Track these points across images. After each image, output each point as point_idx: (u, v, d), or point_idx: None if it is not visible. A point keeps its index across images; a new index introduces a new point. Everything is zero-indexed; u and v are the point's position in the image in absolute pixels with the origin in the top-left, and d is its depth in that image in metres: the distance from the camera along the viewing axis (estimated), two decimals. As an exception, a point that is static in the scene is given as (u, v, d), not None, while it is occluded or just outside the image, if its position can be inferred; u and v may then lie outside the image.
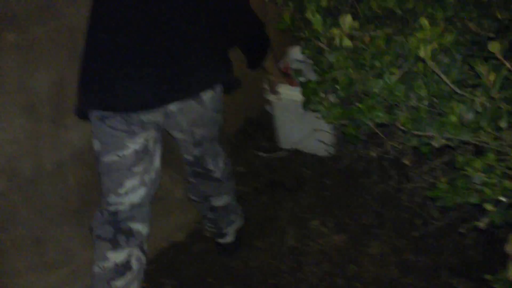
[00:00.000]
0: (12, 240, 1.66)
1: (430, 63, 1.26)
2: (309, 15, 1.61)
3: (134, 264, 1.56)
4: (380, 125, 1.70)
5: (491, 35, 1.40)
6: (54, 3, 1.72)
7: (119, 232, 1.55)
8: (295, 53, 2.57)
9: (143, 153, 1.58)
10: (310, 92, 1.73)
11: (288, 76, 2.23)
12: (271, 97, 2.28)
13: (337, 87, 1.63)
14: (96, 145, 1.60)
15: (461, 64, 1.40)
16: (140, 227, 1.59)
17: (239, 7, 1.69)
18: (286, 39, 2.60)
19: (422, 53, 1.23)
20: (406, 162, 1.74)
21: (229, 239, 2.06)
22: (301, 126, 2.34)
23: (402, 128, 1.45)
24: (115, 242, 1.54)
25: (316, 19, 1.57)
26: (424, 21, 1.34)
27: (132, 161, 1.56)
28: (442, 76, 1.27)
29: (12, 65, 1.64)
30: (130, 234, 1.56)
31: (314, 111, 1.72)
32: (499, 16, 1.38)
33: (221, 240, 2.06)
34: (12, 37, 1.64)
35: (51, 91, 1.72)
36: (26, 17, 1.66)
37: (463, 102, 1.31)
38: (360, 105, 1.59)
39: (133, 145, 1.56)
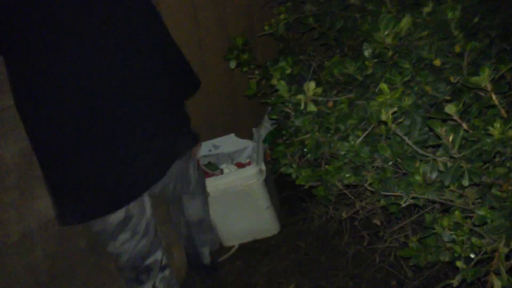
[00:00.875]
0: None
1: (392, 126, 1.30)
2: (274, 81, 1.67)
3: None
4: (348, 186, 1.73)
5: (447, 97, 1.46)
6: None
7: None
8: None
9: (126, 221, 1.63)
10: (280, 155, 1.76)
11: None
12: None
13: (305, 150, 1.67)
14: None
15: (421, 125, 1.45)
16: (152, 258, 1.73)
17: (174, 48, 1.76)
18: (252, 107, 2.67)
19: (383, 117, 1.28)
20: (377, 222, 1.76)
21: (205, 260, 2.09)
22: (242, 213, 2.32)
23: (370, 188, 1.48)
24: (139, 281, 1.74)
25: (281, 86, 1.62)
26: (384, 86, 1.40)
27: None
28: (404, 137, 1.31)
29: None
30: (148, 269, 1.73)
31: (284, 173, 1.75)
32: (452, 80, 1.45)
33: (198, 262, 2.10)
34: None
35: (19, 160, 1.71)
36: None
37: (426, 162, 1.35)
38: (328, 167, 1.62)
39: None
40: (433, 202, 1.50)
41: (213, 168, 2.36)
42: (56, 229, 1.77)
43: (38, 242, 1.75)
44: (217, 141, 2.49)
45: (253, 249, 2.34)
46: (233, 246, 2.39)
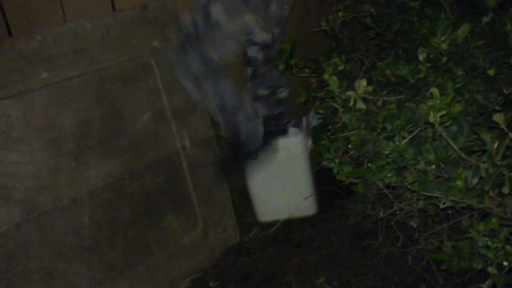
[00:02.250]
0: (23, 272, 1.70)
1: (439, 129, 1.33)
2: (326, 76, 1.71)
3: None
4: (388, 186, 1.76)
5: (497, 107, 1.47)
6: (88, 47, 1.85)
7: None
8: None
9: None
10: (323, 148, 1.80)
11: None
12: None
13: (349, 146, 1.70)
14: None
15: (467, 132, 1.47)
16: None
17: None
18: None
19: (431, 119, 1.30)
20: (413, 224, 1.77)
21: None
22: (283, 184, 2.37)
23: (411, 188, 1.50)
24: None
25: (332, 81, 1.66)
26: (435, 90, 1.42)
27: None
28: (450, 142, 1.33)
29: (42, 101, 1.75)
30: None
31: (326, 168, 1.79)
32: (505, 91, 1.46)
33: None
34: (46, 75, 1.76)
35: (76, 129, 1.82)
36: (60, 58, 1.79)
37: (469, 168, 1.37)
38: (370, 165, 1.65)
39: None
40: (472, 208, 1.52)
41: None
42: (103, 198, 1.88)
43: (86, 209, 1.86)
44: None
45: (286, 239, 2.38)
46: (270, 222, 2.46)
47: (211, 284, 2.16)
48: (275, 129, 2.20)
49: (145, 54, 2.02)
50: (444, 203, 1.35)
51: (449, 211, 1.66)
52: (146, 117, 2.03)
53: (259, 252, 2.32)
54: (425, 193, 1.44)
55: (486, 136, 1.21)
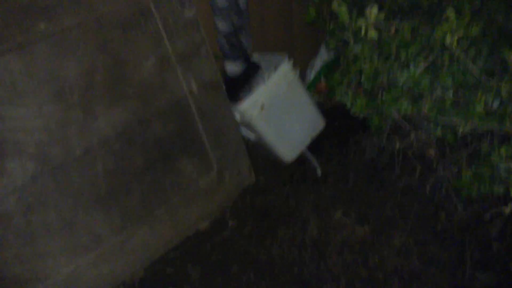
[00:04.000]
0: (44, 222, 1.72)
1: (456, 51, 1.26)
2: (335, 6, 1.63)
3: None
4: (404, 118, 1.72)
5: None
6: (86, -6, 1.77)
7: None
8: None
9: None
10: (335, 82, 1.74)
11: None
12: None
13: (362, 78, 1.65)
14: None
15: (486, 54, 1.40)
16: None
17: None
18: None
19: (448, 41, 1.24)
20: (430, 153, 1.74)
21: None
22: (294, 116, 2.33)
23: (428, 115, 1.46)
24: None
25: (342, 11, 1.58)
26: (451, 13, 1.34)
27: None
28: (469, 64, 1.27)
29: (44, 53, 1.70)
30: None
31: (340, 101, 1.74)
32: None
33: None
34: (44, 25, 1.70)
35: (81, 80, 1.77)
36: (57, 7, 1.72)
37: (489, 91, 1.32)
38: (385, 96, 1.60)
39: None
40: (491, 133, 1.48)
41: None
42: (115, 147, 1.86)
43: (99, 158, 1.85)
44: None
45: (301, 177, 2.38)
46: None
47: (230, 224, 2.18)
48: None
49: (143, -2, 1.93)
50: (463, 129, 1.30)
51: (468, 139, 1.62)
52: (150, 63, 1.97)
53: (275, 190, 2.32)
54: (444, 120, 1.39)
55: (509, 56, 1.14)
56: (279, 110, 2.24)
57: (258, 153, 2.51)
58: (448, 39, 1.25)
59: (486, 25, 1.41)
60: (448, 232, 1.97)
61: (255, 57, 2.43)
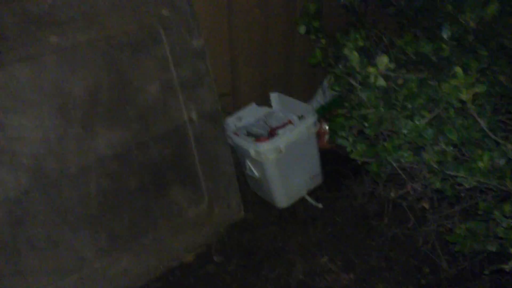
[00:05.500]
0: (30, 238, 1.66)
1: (471, 107, 1.30)
2: (347, 52, 1.67)
3: None
4: (402, 168, 1.74)
5: (521, 90, 1.45)
6: (97, 13, 1.79)
7: None
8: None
9: None
10: (337, 126, 1.77)
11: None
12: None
13: (365, 124, 1.68)
14: None
15: (490, 113, 1.45)
16: None
17: None
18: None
19: (464, 96, 1.27)
20: (425, 205, 1.76)
21: None
22: (302, 163, 2.35)
23: (433, 165, 1.48)
24: None
25: (353, 57, 1.63)
26: (459, 70, 1.39)
27: None
28: (480, 120, 1.31)
29: (52, 66, 1.69)
30: None
31: (340, 144, 1.76)
32: (529, 73, 1.44)
33: None
34: (55, 39, 1.70)
35: (85, 96, 1.76)
36: (70, 23, 1.73)
37: (492, 150, 1.35)
38: (386, 144, 1.63)
39: None
40: (491, 190, 1.51)
41: (259, 135, 2.39)
42: (111, 167, 1.84)
43: (93, 178, 1.82)
44: (239, 113, 2.50)
45: (290, 218, 2.37)
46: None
47: (215, 258, 2.14)
48: None
49: (154, 22, 1.96)
50: (469, 184, 1.33)
51: (462, 194, 1.65)
52: (155, 87, 1.97)
53: (263, 229, 2.30)
54: (447, 172, 1.41)
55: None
56: (292, 158, 2.27)
57: (249, 189, 2.51)
58: (464, 94, 1.29)
59: (491, 84, 1.47)
60: (433, 287, 1.97)
61: (275, 96, 2.47)
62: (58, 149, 1.71)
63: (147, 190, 1.97)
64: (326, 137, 2.56)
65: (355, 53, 1.62)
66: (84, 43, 1.77)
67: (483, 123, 1.34)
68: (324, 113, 2.56)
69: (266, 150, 2.16)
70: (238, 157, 2.40)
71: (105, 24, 1.82)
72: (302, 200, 2.44)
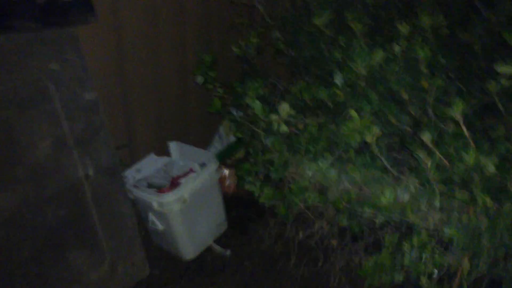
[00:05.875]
0: None
1: (374, 148, 1.39)
2: (248, 100, 1.72)
3: None
4: (309, 207, 1.80)
5: (408, 128, 1.59)
6: None
7: None
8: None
9: None
10: (244, 172, 1.79)
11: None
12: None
13: (271, 168, 1.72)
14: None
15: (385, 152, 1.56)
16: None
17: None
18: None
19: (369, 139, 1.36)
20: (333, 242, 1.83)
21: None
22: (207, 212, 2.34)
23: (338, 204, 1.55)
24: None
25: (256, 105, 1.67)
26: (354, 113, 1.50)
27: None
28: (384, 161, 1.40)
29: None
30: None
31: (248, 190, 1.78)
32: (413, 113, 1.58)
33: None
34: None
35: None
36: None
37: (394, 185, 1.46)
38: (292, 186, 1.67)
39: None
40: (391, 223, 1.61)
41: (160, 185, 2.33)
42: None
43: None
44: (138, 165, 2.44)
45: (198, 269, 2.31)
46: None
47: (122, 323, 2.00)
48: None
49: (42, 77, 1.85)
50: (378, 220, 1.41)
51: (366, 228, 1.74)
52: (46, 144, 1.84)
53: (171, 285, 2.21)
54: (353, 210, 1.49)
55: (421, 153, 1.29)
56: (197, 207, 2.22)
57: (153, 243, 2.41)
58: (368, 137, 1.37)
59: (383, 125, 1.59)
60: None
61: (174, 145, 2.42)
62: None
63: (42, 255, 1.80)
64: (227, 182, 2.57)
65: (258, 102, 1.67)
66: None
67: (384, 160, 1.44)
68: (223, 159, 2.58)
69: (170, 201, 2.10)
70: (139, 210, 2.30)
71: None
72: (209, 248, 2.39)
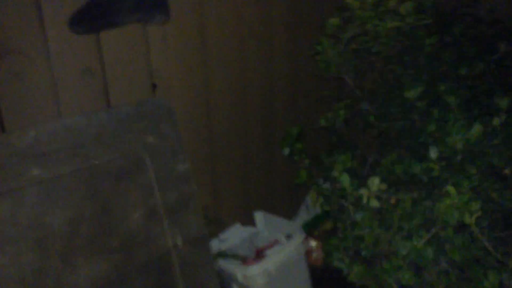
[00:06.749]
0: None
1: (475, 229, 1.29)
2: (336, 174, 1.68)
3: None
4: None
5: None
6: (82, 144, 1.77)
7: None
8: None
9: None
10: (332, 248, 1.72)
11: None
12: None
13: (361, 245, 1.64)
14: None
15: (488, 231, 1.44)
16: None
17: None
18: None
19: (467, 220, 1.27)
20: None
21: None
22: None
23: (436, 286, 1.43)
24: None
25: (344, 179, 1.63)
26: (452, 189, 1.41)
27: None
28: (486, 243, 1.29)
29: (32, 199, 1.62)
30: None
31: (336, 267, 1.70)
32: (519, 190, 1.47)
33: None
34: (37, 171, 1.65)
35: (65, 228, 1.68)
36: (53, 155, 1.69)
37: (496, 269, 1.33)
38: (386, 265, 1.58)
39: None
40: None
41: (245, 257, 2.31)
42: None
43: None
44: (223, 235, 2.43)
45: None
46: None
47: None
48: None
49: (139, 150, 1.95)
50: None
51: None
52: (139, 214, 1.90)
53: None
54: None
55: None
56: (282, 282, 2.16)
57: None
58: (467, 217, 1.28)
59: (484, 201, 1.47)
60: None
61: (260, 214, 2.42)
62: (34, 286, 1.58)
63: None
64: (314, 254, 2.50)
65: (345, 175, 1.63)
66: (67, 174, 1.72)
67: (485, 241, 1.33)
68: (309, 230, 2.52)
69: (255, 273, 2.06)
70: (222, 281, 2.28)
71: (89, 155, 1.79)
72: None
